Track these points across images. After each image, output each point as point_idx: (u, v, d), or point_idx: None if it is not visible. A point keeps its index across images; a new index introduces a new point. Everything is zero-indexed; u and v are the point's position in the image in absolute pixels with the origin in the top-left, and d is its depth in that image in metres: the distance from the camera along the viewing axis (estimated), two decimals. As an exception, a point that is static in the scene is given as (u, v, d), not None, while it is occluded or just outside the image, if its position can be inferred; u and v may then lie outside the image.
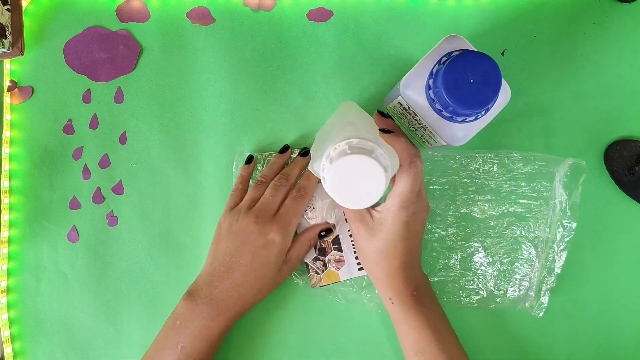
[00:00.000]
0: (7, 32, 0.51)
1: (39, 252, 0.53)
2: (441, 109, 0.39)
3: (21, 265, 0.53)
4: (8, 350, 0.51)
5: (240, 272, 0.45)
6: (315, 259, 0.50)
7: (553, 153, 0.52)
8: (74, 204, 0.53)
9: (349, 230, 0.50)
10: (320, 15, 0.53)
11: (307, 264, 0.50)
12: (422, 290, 0.45)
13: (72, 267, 0.52)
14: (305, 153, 0.50)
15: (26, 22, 0.53)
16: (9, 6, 0.51)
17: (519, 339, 0.51)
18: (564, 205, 0.49)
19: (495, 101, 0.37)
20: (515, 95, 0.53)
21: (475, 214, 0.51)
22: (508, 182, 0.51)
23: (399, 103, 0.44)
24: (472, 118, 0.39)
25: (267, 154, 0.52)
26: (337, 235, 0.50)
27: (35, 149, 0.53)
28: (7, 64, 0.53)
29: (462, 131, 0.41)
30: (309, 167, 0.46)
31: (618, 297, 0.51)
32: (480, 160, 0.51)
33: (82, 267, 0.52)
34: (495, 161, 0.51)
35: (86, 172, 0.53)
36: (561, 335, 0.51)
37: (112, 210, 0.53)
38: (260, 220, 0.46)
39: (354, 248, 0.50)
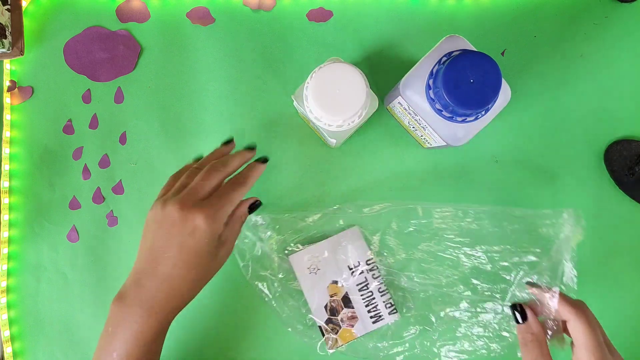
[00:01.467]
0: (7, 32, 0.51)
1: (39, 252, 0.53)
2: (441, 109, 0.39)
3: (21, 265, 0.53)
4: (8, 350, 0.51)
5: (168, 265, 0.40)
6: (328, 321, 0.48)
7: (553, 153, 0.52)
8: (74, 204, 0.53)
9: (359, 285, 0.49)
10: (320, 15, 0.53)
11: (320, 327, 0.49)
12: None
13: (72, 267, 0.52)
14: (251, 148, 0.46)
15: (26, 22, 0.53)
16: (9, 6, 0.51)
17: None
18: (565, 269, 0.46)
19: (495, 101, 0.37)
20: (515, 95, 0.53)
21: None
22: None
23: (399, 103, 0.44)
24: (472, 118, 0.39)
25: (287, 215, 0.51)
26: (346, 292, 0.49)
27: (35, 149, 0.53)
28: (7, 64, 0.53)
29: (462, 131, 0.41)
30: (295, 105, 0.44)
31: (618, 297, 0.51)
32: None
33: (82, 267, 0.52)
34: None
35: (86, 172, 0.53)
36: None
37: (112, 210, 0.53)
38: (185, 206, 0.40)
39: (364, 301, 0.49)
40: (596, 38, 0.52)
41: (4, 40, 0.50)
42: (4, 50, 0.50)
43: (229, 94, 0.53)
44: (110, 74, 0.53)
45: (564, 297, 0.41)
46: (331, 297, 0.49)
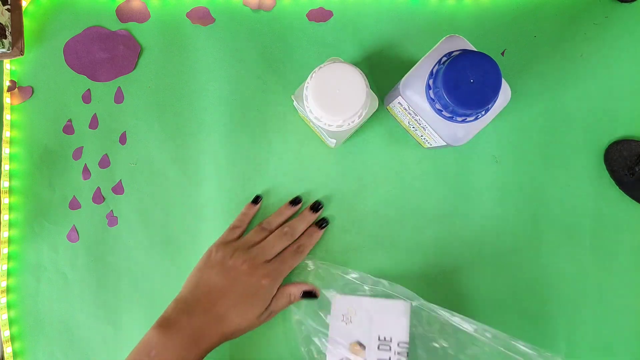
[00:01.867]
0: (7, 32, 0.51)
1: (39, 252, 0.53)
2: (441, 109, 0.39)
3: (21, 265, 0.53)
4: (8, 350, 0.51)
5: (224, 307, 0.45)
6: None
7: (553, 153, 0.52)
8: (74, 204, 0.53)
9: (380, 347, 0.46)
10: (320, 15, 0.53)
11: None
12: None
13: (72, 267, 0.52)
14: (315, 207, 0.51)
15: (26, 22, 0.53)
16: (9, 6, 0.51)
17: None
18: None
19: (495, 101, 0.37)
20: (516, 95, 0.53)
21: None
22: None
23: (399, 103, 0.44)
24: (472, 118, 0.39)
25: (320, 264, 0.51)
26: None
27: (35, 149, 0.53)
28: (7, 64, 0.53)
29: (462, 131, 0.41)
30: (295, 105, 0.44)
31: (618, 297, 0.51)
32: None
33: (82, 267, 0.52)
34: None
35: (86, 172, 0.53)
36: (561, 335, 0.51)
37: (112, 210, 0.53)
38: (255, 263, 0.47)
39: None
40: (596, 38, 0.52)
41: (4, 40, 0.50)
42: (4, 50, 0.50)
43: (229, 94, 0.53)
44: (110, 74, 0.53)
45: None
46: (351, 353, 0.46)
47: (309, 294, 0.49)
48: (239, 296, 0.45)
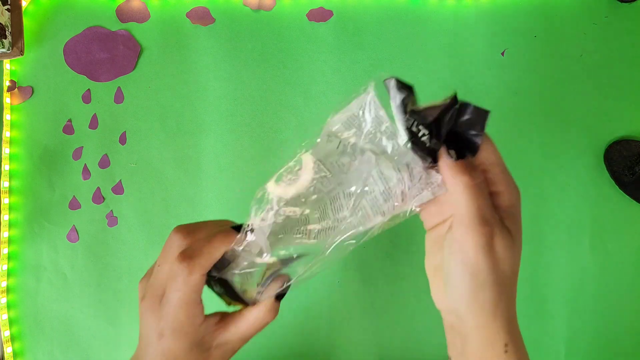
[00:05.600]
0: (7, 32, 0.51)
1: (39, 252, 0.53)
2: None
3: (21, 265, 0.53)
4: (8, 350, 0.51)
5: None
6: None
7: (553, 153, 0.52)
8: (74, 204, 0.53)
9: None
10: (320, 15, 0.53)
11: None
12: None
13: (72, 267, 0.52)
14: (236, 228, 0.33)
15: (26, 22, 0.53)
16: (9, 6, 0.51)
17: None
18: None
19: None
20: (516, 95, 0.53)
21: None
22: None
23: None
24: None
25: None
26: None
27: (35, 149, 0.53)
28: (7, 64, 0.53)
29: None
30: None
31: (618, 297, 0.51)
32: None
33: (82, 267, 0.52)
34: None
35: (86, 172, 0.53)
36: (561, 334, 0.51)
37: (111, 210, 0.53)
38: (145, 303, 0.33)
39: None
40: (596, 38, 0.52)
41: (4, 40, 0.50)
42: (4, 50, 0.50)
43: (229, 94, 0.53)
44: (110, 74, 0.53)
45: (504, 165, 0.32)
46: None
47: (285, 291, 0.33)
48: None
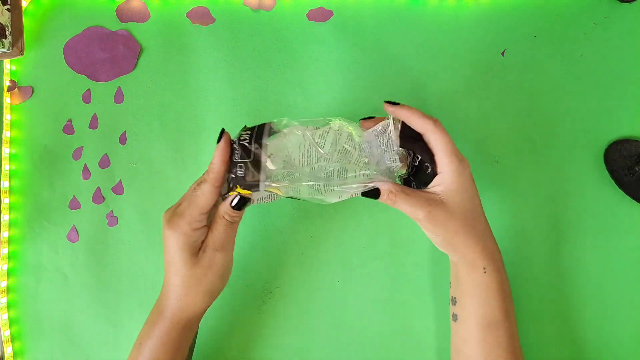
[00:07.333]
0: (7, 32, 0.51)
1: (39, 252, 0.53)
2: None
3: (21, 265, 0.53)
4: (8, 350, 0.51)
5: (165, 277, 0.43)
6: None
7: (553, 153, 0.52)
8: (74, 204, 0.53)
9: None
10: (320, 15, 0.53)
11: None
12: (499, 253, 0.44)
13: (72, 267, 0.52)
14: (221, 136, 0.42)
15: (26, 22, 0.53)
16: (9, 6, 0.51)
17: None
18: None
19: None
20: (516, 95, 0.53)
21: None
22: None
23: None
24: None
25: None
26: None
27: (35, 149, 0.53)
28: (7, 64, 0.53)
29: None
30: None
31: (618, 297, 0.51)
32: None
33: (82, 267, 0.52)
34: None
35: (86, 172, 0.53)
36: (561, 335, 0.51)
37: (112, 210, 0.53)
38: (164, 217, 0.42)
39: None
40: (596, 38, 0.52)
41: (4, 40, 0.50)
42: (4, 50, 0.50)
43: (229, 94, 0.53)
44: (110, 74, 0.53)
45: (418, 112, 0.42)
46: None
47: (240, 201, 0.41)
48: (166, 272, 0.42)
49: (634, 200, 0.51)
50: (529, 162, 0.52)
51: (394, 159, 0.43)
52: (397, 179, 0.44)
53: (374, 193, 0.42)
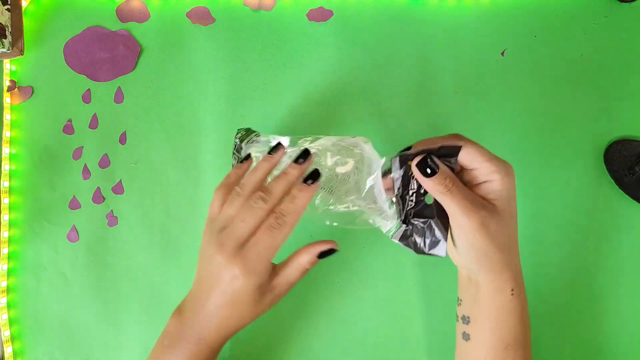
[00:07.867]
0: (7, 32, 0.51)
1: (39, 252, 0.53)
2: None
3: (21, 265, 0.53)
4: (8, 350, 0.51)
5: (215, 303, 0.38)
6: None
7: (553, 152, 0.52)
8: (74, 204, 0.53)
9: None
10: (320, 15, 0.53)
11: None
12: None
13: (72, 267, 0.52)
14: (303, 156, 0.39)
15: (26, 22, 0.53)
16: (9, 6, 0.51)
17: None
18: None
19: None
20: (516, 95, 0.53)
21: None
22: None
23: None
24: None
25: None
26: None
27: (35, 149, 0.53)
28: (7, 64, 0.53)
29: None
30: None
31: (618, 297, 0.51)
32: None
33: (82, 267, 0.52)
34: None
35: (86, 172, 0.53)
36: (561, 335, 0.51)
37: (112, 210, 0.53)
38: (225, 252, 0.36)
39: None
40: (596, 38, 0.52)
41: (4, 40, 0.50)
42: (4, 50, 0.50)
43: (229, 94, 0.53)
44: (110, 74, 0.53)
45: (490, 155, 0.37)
46: None
47: (327, 252, 0.39)
48: (223, 291, 0.37)
49: (634, 200, 0.51)
50: (528, 162, 0.52)
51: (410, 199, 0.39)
52: (396, 223, 0.42)
53: (432, 168, 0.36)
